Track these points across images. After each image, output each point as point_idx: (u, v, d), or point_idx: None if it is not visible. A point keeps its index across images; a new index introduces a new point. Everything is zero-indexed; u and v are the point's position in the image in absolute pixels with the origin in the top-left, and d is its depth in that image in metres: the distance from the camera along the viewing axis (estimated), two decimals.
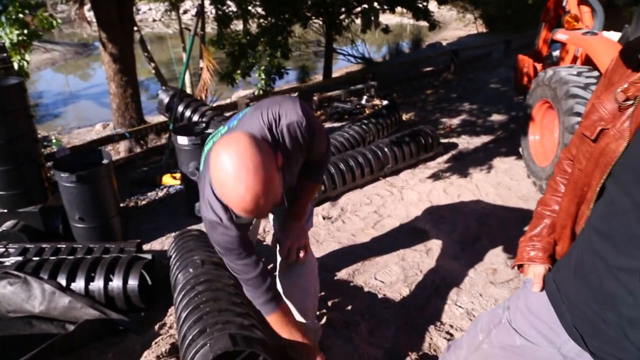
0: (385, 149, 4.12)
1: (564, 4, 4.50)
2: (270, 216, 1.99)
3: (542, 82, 3.75)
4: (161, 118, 6.82)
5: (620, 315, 0.92)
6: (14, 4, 5.37)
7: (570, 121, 3.25)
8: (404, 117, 5.84)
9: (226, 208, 1.46)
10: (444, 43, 14.12)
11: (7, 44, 5.23)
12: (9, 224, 3.10)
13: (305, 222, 1.90)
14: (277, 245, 1.94)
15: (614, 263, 0.92)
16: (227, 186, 1.25)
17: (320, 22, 8.61)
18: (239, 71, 7.61)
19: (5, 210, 3.10)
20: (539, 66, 4.70)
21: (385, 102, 6.08)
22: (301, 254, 1.83)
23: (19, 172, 3.06)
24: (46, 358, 2.09)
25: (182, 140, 3.39)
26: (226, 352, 1.49)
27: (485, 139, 5.23)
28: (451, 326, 2.41)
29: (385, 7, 6.29)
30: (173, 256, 2.63)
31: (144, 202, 3.94)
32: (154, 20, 24.97)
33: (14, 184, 3.07)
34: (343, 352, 2.08)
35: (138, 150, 4.88)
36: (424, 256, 3.01)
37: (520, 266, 1.26)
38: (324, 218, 3.49)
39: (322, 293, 2.63)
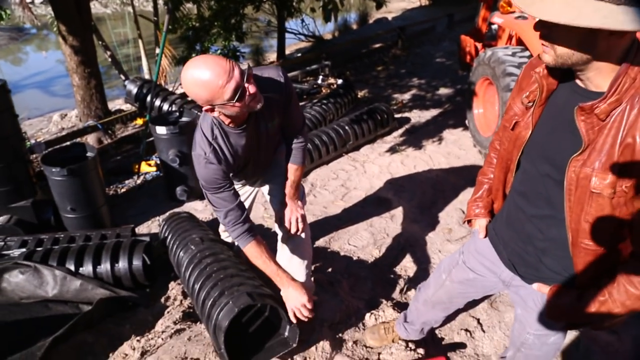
0: (346, 127, 4.49)
1: None
2: (268, 196, 2.33)
3: (482, 61, 4.21)
4: (118, 105, 6.91)
5: (536, 247, 1.36)
6: None
7: (507, 97, 3.73)
8: (359, 94, 6.22)
9: (210, 144, 1.75)
10: (390, 17, 14.51)
11: None
12: (2, 219, 3.28)
13: (299, 198, 2.24)
14: (279, 222, 2.28)
15: (529, 212, 1.36)
16: (194, 76, 1.52)
17: (271, 3, 8.77)
18: (193, 55, 7.71)
19: None
20: (479, 45, 5.16)
21: (340, 81, 6.44)
22: (300, 225, 2.16)
23: (8, 170, 3.23)
24: (74, 333, 2.38)
25: (161, 129, 3.63)
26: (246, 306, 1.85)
27: (434, 112, 5.70)
28: (417, 278, 2.86)
29: None
30: (169, 237, 2.92)
31: (123, 190, 4.15)
32: (91, 0, 24.03)
33: (4, 181, 3.24)
34: (332, 305, 2.48)
35: (107, 140, 5.02)
36: (389, 222, 3.44)
37: (469, 221, 1.69)
38: None
39: None
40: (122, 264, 2.74)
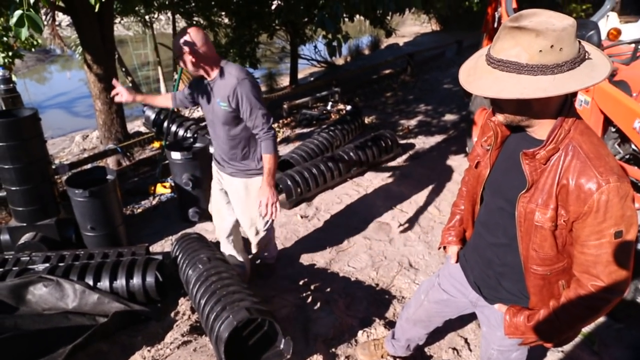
0: (351, 154, 4.72)
1: (497, 19, 5.14)
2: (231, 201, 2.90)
3: None
4: (137, 127, 7.24)
5: (495, 272, 1.57)
6: None
7: None
8: (366, 120, 6.46)
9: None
10: (401, 43, 14.87)
11: (3, 67, 5.56)
12: (28, 235, 3.54)
13: (272, 187, 2.53)
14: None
15: (489, 240, 1.57)
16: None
17: (285, 30, 9.13)
18: None
19: (25, 224, 3.54)
20: None
21: (348, 107, 6.69)
22: (274, 211, 2.51)
23: (36, 190, 3.50)
24: (91, 343, 2.60)
25: (176, 155, 3.90)
26: (244, 320, 2.06)
27: (439, 138, 5.91)
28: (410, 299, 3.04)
29: (346, 18, 6.87)
30: (179, 256, 3.15)
31: (139, 210, 4.42)
32: (114, 23, 24.81)
33: (31, 201, 3.51)
34: (326, 322, 2.68)
35: (126, 162, 5.32)
36: (388, 245, 3.64)
37: (444, 247, 1.89)
38: (301, 217, 4.07)
39: (305, 279, 3.23)
40: (136, 280, 2.96)
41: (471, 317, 2.70)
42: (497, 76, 1.20)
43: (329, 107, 6.77)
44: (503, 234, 1.50)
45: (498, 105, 1.32)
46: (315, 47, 10.46)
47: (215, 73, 2.46)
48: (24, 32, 2.07)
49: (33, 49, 6.55)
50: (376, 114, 6.94)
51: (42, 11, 8.19)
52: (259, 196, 2.52)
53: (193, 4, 7.98)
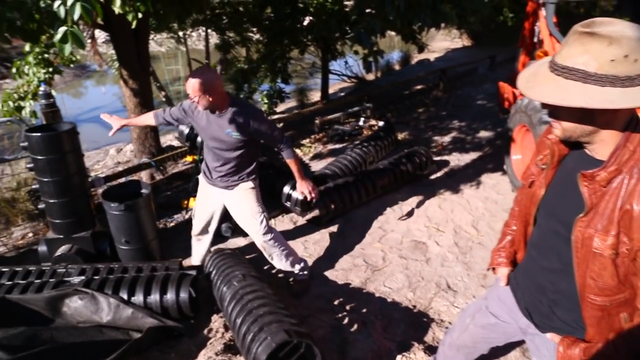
0: (386, 170, 4.64)
1: (536, 34, 5.02)
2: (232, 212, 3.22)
3: (519, 108, 4.30)
4: (169, 141, 7.33)
5: (548, 298, 1.46)
6: (39, 45, 5.86)
7: None
8: (399, 136, 6.38)
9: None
10: (432, 58, 14.76)
11: (35, 82, 5.72)
12: (64, 248, 3.57)
13: (305, 179, 3.12)
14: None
15: (541, 265, 1.47)
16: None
17: (316, 46, 9.17)
18: (241, 96, 8.13)
19: (62, 236, 3.57)
20: (517, 92, 5.24)
21: (381, 123, 6.62)
22: (314, 194, 3.14)
23: (73, 203, 3.53)
24: (124, 358, 2.57)
25: None
26: (282, 342, 1.99)
27: (473, 155, 5.77)
28: (450, 323, 2.91)
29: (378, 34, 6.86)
30: (213, 272, 3.12)
31: (172, 224, 4.42)
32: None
33: (68, 213, 3.54)
34: (364, 345, 2.58)
35: (159, 176, 5.36)
36: (425, 265, 3.52)
37: (493, 269, 1.79)
38: (336, 234, 3.99)
39: (341, 299, 3.14)
40: (170, 296, 2.93)
41: (516, 345, 2.57)
42: (561, 83, 1.13)
43: (361, 123, 6.71)
44: (557, 258, 1.40)
45: (557, 115, 1.23)
46: (346, 62, 10.46)
47: (225, 108, 2.79)
48: (68, 48, 2.09)
49: (72, 65, 6.72)
50: (409, 130, 6.85)
51: (81, 28, 8.46)
52: (300, 189, 3.14)
53: (226, 20, 8.09)
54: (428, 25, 4.13)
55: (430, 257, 3.62)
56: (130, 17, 3.74)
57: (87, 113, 13.56)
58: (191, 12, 7.11)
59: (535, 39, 5.03)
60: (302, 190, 3.12)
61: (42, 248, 3.61)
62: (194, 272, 3.11)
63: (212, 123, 2.86)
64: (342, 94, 11.05)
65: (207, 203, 3.25)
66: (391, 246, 3.80)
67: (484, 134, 6.62)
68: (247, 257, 3.64)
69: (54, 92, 5.84)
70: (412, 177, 4.89)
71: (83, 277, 3.14)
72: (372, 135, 5.79)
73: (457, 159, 5.66)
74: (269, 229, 3.12)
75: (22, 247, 4.17)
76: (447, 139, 6.51)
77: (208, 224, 3.34)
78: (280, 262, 3.19)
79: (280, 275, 3.42)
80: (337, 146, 6.28)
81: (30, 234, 4.38)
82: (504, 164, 4.80)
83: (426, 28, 5.48)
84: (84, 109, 14.45)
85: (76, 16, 1.95)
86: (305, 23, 7.99)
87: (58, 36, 2.05)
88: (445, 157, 5.72)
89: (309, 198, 3.15)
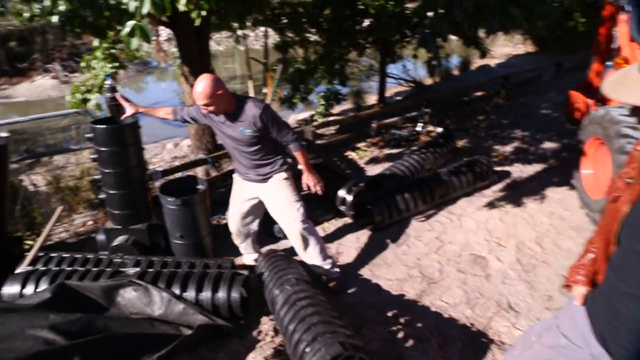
0: (444, 178, 4.46)
1: (615, 40, 4.68)
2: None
3: (594, 119, 4.01)
4: None
5: (625, 326, 1.30)
6: (107, 40, 6.07)
7: (621, 159, 3.49)
8: (458, 144, 6.15)
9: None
10: (493, 64, 14.25)
11: (101, 76, 5.92)
12: (121, 238, 3.63)
13: (312, 171, 3.18)
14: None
15: (619, 288, 1.32)
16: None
17: (374, 49, 9.04)
18: (298, 96, 8.12)
19: (119, 227, 3.63)
20: (591, 102, 4.91)
21: (439, 129, 6.42)
22: (318, 187, 3.18)
23: (132, 196, 3.60)
24: (174, 354, 2.56)
25: None
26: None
27: (537, 167, 5.47)
28: (511, 346, 2.72)
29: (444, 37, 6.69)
30: (265, 274, 3.07)
31: (225, 221, 4.41)
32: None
33: (127, 205, 3.61)
34: None
35: (214, 172, 5.40)
36: (484, 281, 3.34)
37: (568, 286, 1.64)
38: (391, 242, 3.86)
39: (395, 311, 3.01)
40: (221, 294, 2.91)
41: None
42: None
43: (418, 128, 6.53)
44: (637, 284, 1.25)
45: None
46: (404, 66, 10.25)
47: (233, 108, 2.90)
48: (135, 42, 2.09)
49: (136, 61, 6.92)
50: (468, 138, 6.60)
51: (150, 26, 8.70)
52: (306, 180, 3.17)
53: (285, 21, 8.10)
54: (496, 29, 3.95)
55: (490, 273, 3.42)
56: (194, 15, 3.78)
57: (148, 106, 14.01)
58: (251, 12, 7.17)
59: (613, 46, 4.69)
60: (307, 182, 3.16)
61: (101, 237, 3.69)
62: (246, 272, 3.07)
63: (225, 124, 2.97)
64: (399, 98, 10.85)
65: (243, 198, 3.34)
66: (449, 258, 3.63)
67: (548, 145, 6.27)
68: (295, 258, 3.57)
69: (118, 86, 6.04)
70: (472, 187, 4.67)
71: (138, 269, 3.18)
72: (430, 142, 5.61)
73: (520, 171, 5.38)
74: (306, 218, 3.17)
75: (82, 234, 4.30)
76: (508, 148, 6.21)
77: (245, 221, 3.43)
78: (313, 254, 3.21)
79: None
80: (394, 151, 6.13)
81: (91, 222, 4.51)
82: (572, 178, 4.51)
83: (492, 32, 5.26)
84: (144, 103, 14.81)
85: (145, 10, 1.94)
86: (364, 25, 7.89)
87: (126, 30, 2.06)
88: (507, 168, 5.45)
89: (313, 190, 3.17)
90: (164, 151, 8.20)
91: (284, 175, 3.14)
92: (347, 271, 3.52)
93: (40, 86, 15.76)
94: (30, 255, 3.38)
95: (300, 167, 3.22)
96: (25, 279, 3.12)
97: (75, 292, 2.94)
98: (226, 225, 4.30)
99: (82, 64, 6.34)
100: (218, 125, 3.04)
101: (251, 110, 2.87)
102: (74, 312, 2.81)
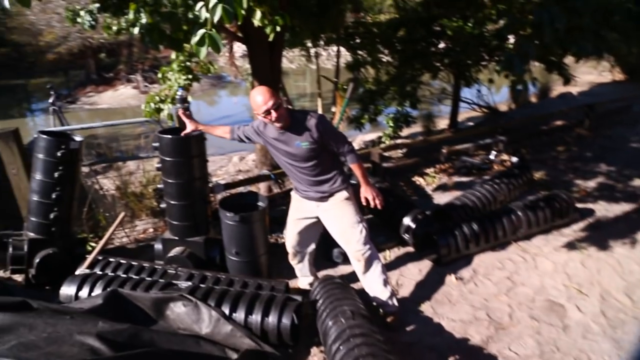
0: (519, 212, 4.10)
1: None
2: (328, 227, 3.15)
3: None
4: None
5: None
6: (184, 53, 6.25)
7: None
8: (535, 176, 5.72)
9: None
10: (575, 92, 13.41)
11: (175, 87, 6.08)
12: (178, 249, 3.60)
13: (371, 184, 2.98)
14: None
15: None
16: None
17: (448, 72, 8.74)
18: (366, 116, 7.97)
19: (177, 238, 3.61)
20: None
21: (514, 159, 6.02)
22: (378, 201, 2.94)
23: (192, 207, 3.56)
24: None
25: None
26: None
27: (626, 207, 4.94)
28: None
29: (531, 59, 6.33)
30: (320, 302, 2.90)
31: (283, 240, 4.30)
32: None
33: (186, 217, 3.58)
34: None
35: (277, 189, 5.32)
36: (561, 333, 2.97)
37: None
38: (456, 278, 3.57)
39: (457, 356, 2.73)
40: (271, 319, 2.76)
41: None
42: None
43: (492, 157, 6.15)
44: None
45: None
46: (479, 90, 9.82)
47: (288, 121, 2.76)
48: (204, 51, 2.02)
49: (209, 74, 7.08)
50: (546, 170, 6.12)
51: (224, 41, 8.95)
52: (364, 194, 2.96)
53: (358, 40, 8.02)
54: (587, 52, 3.63)
55: (568, 324, 3.04)
56: (268, 30, 3.76)
57: (218, 120, 14.44)
58: (325, 30, 7.16)
59: None
60: (365, 195, 2.95)
61: (158, 246, 3.69)
62: (299, 298, 2.91)
63: (280, 140, 2.85)
64: (471, 123, 10.43)
65: (301, 217, 3.21)
66: (520, 302, 3.28)
67: (639, 182, 5.69)
68: (354, 285, 3.37)
69: (190, 98, 6.17)
70: (550, 225, 4.27)
71: (190, 283, 3.12)
72: (504, 172, 5.25)
73: (605, 209, 4.88)
74: (369, 240, 3.00)
75: (142, 241, 4.34)
76: (592, 184, 5.69)
77: (302, 241, 3.30)
78: (373, 279, 3.03)
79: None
80: (464, 179, 5.79)
81: (151, 230, 4.55)
82: None
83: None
84: (216, 115, 15.44)
85: (216, 17, 1.86)
86: (439, 47, 7.65)
87: (195, 39, 1.99)
88: (590, 206, 4.96)
89: (372, 204, 2.95)
90: (230, 164, 8.32)
91: (345, 194, 2.98)
92: (406, 306, 3.27)
93: (122, 95, 16.72)
94: (90, 258, 3.42)
95: (356, 181, 3.07)
96: (81, 282, 3.15)
97: (126, 300, 2.91)
98: (284, 244, 4.20)
99: (159, 75, 6.57)
100: (273, 143, 2.91)
101: (307, 121, 2.76)
102: (123, 321, 2.77)
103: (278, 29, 3.74)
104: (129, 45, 18.28)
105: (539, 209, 4.20)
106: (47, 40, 18.28)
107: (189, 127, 3.21)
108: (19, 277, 3.71)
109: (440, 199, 5.14)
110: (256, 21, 3.66)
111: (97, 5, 4.80)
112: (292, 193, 3.25)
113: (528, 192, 5.05)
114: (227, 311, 2.83)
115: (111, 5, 4.76)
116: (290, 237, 3.33)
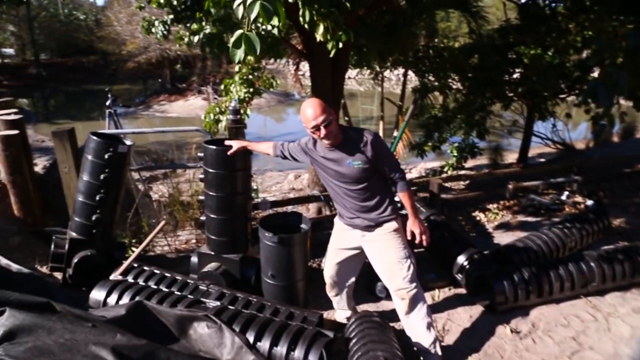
0: (592, 263, 3.61)
1: None
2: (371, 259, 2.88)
3: None
4: None
5: None
6: (247, 66, 6.25)
7: None
8: (613, 223, 5.13)
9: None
10: None
11: (237, 98, 6.07)
12: (213, 265, 3.45)
13: (419, 218, 2.72)
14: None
15: None
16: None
17: (522, 103, 8.24)
18: (430, 143, 7.64)
19: (213, 253, 3.46)
20: None
21: (589, 202, 5.45)
22: (425, 238, 2.68)
23: (231, 223, 3.42)
24: None
25: None
26: None
27: None
28: None
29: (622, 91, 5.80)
30: (354, 341, 2.63)
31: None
32: (348, 78, 26.65)
33: (224, 232, 3.43)
34: None
35: (327, 211, 5.11)
36: None
37: None
38: (511, 331, 3.16)
39: None
40: (297, 354, 2.52)
41: None
42: None
43: (564, 197, 5.62)
44: None
45: None
46: (554, 124, 9.18)
47: (340, 138, 2.58)
48: (239, 54, 1.86)
49: (272, 89, 7.05)
50: (626, 217, 5.49)
51: (290, 61, 8.94)
52: (411, 227, 2.68)
53: (427, 64, 7.74)
54: None
55: None
56: (329, 46, 3.61)
57: (282, 136, 14.60)
58: (394, 52, 6.96)
59: None
60: (412, 228, 2.68)
61: (194, 259, 3.57)
62: (331, 334, 2.65)
63: (329, 159, 2.65)
64: (542, 160, 9.76)
65: (343, 246, 2.96)
66: None
67: None
68: (395, 324, 3.06)
69: (248, 111, 6.13)
70: (629, 281, 3.74)
71: (219, 303, 2.94)
72: (577, 215, 4.73)
73: None
74: (416, 279, 2.72)
75: (182, 251, 4.25)
76: None
77: (342, 272, 3.04)
78: (416, 322, 2.72)
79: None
80: (530, 219, 5.30)
81: (194, 241, 4.47)
82: None
83: None
84: (281, 131, 15.63)
85: (253, 15, 1.69)
86: (514, 76, 7.20)
87: (232, 39, 1.83)
88: None
89: (417, 240, 2.67)
90: (285, 181, 8.22)
91: (394, 225, 2.72)
92: (452, 356, 2.90)
93: (191, 105, 17.33)
94: (124, 265, 3.34)
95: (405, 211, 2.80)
96: (111, 288, 3.07)
97: (150, 314, 2.78)
98: None
99: (222, 87, 6.61)
100: (322, 162, 2.70)
101: (361, 139, 2.56)
102: (144, 335, 2.63)
103: (341, 45, 3.57)
104: (203, 58, 19.01)
105: (616, 261, 3.69)
106: (129, 49, 19.39)
107: (235, 145, 3.08)
108: (59, 275, 3.71)
109: (501, 238, 4.70)
110: (318, 36, 3.52)
111: (171, 16, 4.88)
112: (336, 220, 3.00)
113: (604, 240, 4.51)
114: (251, 339, 2.61)
115: (184, 17, 4.84)
116: (329, 267, 3.07)
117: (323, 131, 2.48)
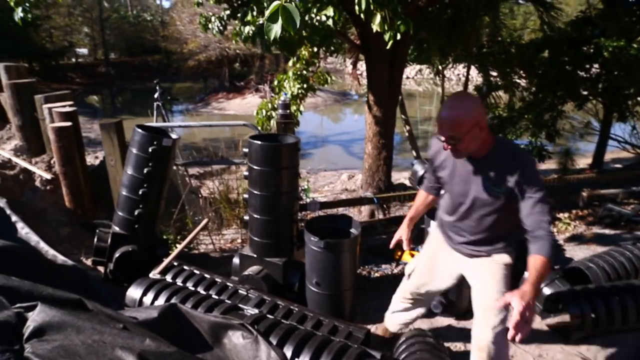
0: None
1: None
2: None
3: None
4: (403, 179, 6.79)
5: None
6: (301, 61, 6.06)
7: None
8: None
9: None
10: None
11: (289, 95, 5.89)
12: (254, 269, 3.25)
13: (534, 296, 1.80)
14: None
15: None
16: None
17: (597, 101, 7.54)
18: None
19: (255, 256, 3.26)
20: None
21: None
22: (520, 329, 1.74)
23: (275, 224, 3.20)
24: None
25: (434, 223, 3.11)
26: None
27: None
28: None
29: None
30: None
31: (377, 274, 3.78)
32: (407, 78, 26.00)
33: (267, 234, 3.22)
34: None
35: (380, 215, 4.81)
36: None
37: None
38: None
39: None
40: None
41: None
42: None
43: None
44: None
45: None
46: (634, 127, 8.36)
47: (485, 151, 2.03)
48: (275, 29, 1.60)
49: (326, 85, 6.83)
50: None
51: (349, 59, 8.67)
52: (510, 297, 1.81)
53: (492, 59, 7.23)
54: None
55: None
56: (387, 37, 3.34)
57: (337, 135, 14.39)
58: (456, 47, 6.54)
59: None
60: (511, 299, 1.79)
61: (236, 261, 3.40)
62: (378, 355, 2.36)
63: (464, 172, 2.11)
64: (619, 165, 8.94)
65: (435, 265, 2.47)
66: None
67: None
68: (450, 345, 2.73)
69: (302, 109, 5.93)
70: None
71: (257, 311, 2.73)
72: None
73: None
74: (505, 326, 2.13)
75: (227, 251, 4.10)
76: None
77: (423, 292, 2.55)
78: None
79: None
80: (607, 232, 4.75)
81: (239, 240, 4.30)
82: None
83: None
84: (337, 131, 15.41)
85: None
86: (591, 72, 6.57)
87: (267, 13, 1.58)
88: None
89: (511, 326, 1.75)
90: (338, 181, 7.97)
91: (506, 258, 2.21)
92: None
93: (248, 103, 17.49)
94: (164, 263, 3.22)
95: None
96: (148, 287, 2.94)
97: (184, 318, 2.60)
98: (377, 280, 3.70)
99: (275, 83, 6.46)
100: (449, 172, 2.20)
101: (510, 160, 2.00)
102: (176, 340, 2.46)
103: (399, 36, 3.28)
104: (261, 57, 19.14)
105: None
106: (190, 48, 19.86)
107: (404, 234, 2.54)
108: (103, 269, 3.65)
109: (574, 252, 4.21)
110: (375, 26, 3.27)
111: (228, 12, 4.76)
112: (437, 233, 2.50)
113: None
114: (289, 354, 2.38)
115: (240, 12, 4.70)
116: (413, 280, 2.59)
117: (448, 147, 2.00)
